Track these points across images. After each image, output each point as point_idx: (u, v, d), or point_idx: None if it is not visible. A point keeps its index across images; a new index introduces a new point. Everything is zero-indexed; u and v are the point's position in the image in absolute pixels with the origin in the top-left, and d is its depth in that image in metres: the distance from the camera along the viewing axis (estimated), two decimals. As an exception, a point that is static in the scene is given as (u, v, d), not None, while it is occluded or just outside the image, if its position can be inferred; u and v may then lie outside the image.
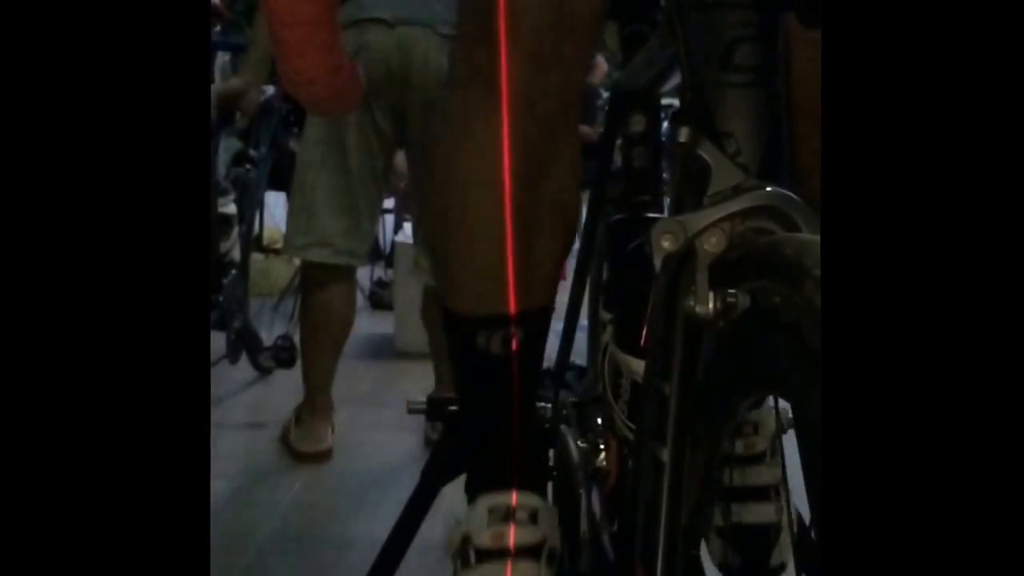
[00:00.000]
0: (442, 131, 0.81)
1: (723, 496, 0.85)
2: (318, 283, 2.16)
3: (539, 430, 0.91)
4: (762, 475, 0.86)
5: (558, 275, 0.84)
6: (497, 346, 0.79)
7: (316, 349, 2.21)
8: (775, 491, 0.85)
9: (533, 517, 0.82)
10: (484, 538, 0.82)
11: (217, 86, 2.29)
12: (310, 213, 2.10)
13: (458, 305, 0.81)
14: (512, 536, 0.81)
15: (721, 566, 0.87)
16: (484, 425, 0.86)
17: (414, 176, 2.18)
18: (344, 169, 2.08)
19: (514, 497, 0.82)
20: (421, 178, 2.13)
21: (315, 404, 2.22)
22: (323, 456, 2.20)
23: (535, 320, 0.80)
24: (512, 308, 0.78)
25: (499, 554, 0.81)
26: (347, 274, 2.19)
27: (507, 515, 0.81)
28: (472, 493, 0.86)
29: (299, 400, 2.27)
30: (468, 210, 0.77)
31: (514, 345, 0.79)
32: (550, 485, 1.19)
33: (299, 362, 2.57)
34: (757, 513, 0.85)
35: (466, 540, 0.83)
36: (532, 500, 0.83)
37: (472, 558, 0.82)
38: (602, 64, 5.60)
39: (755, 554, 0.86)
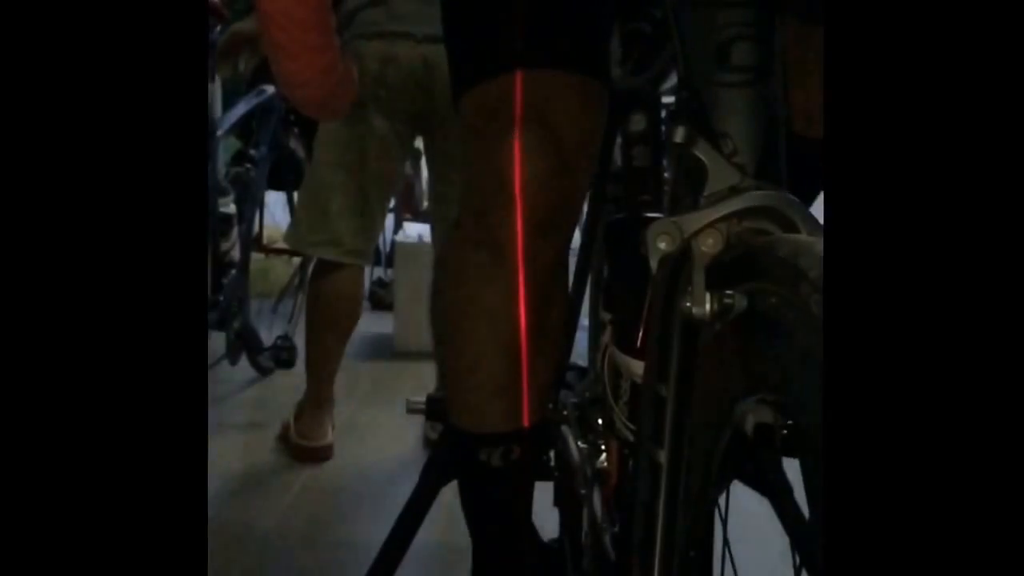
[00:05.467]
0: (447, 281, 0.90)
1: None
2: (326, 278, 2.18)
3: (540, 547, 1.02)
4: None
5: (550, 390, 0.95)
6: (498, 461, 0.88)
7: (321, 342, 2.21)
8: None
9: None
10: None
11: (236, 26, 2.28)
12: (324, 212, 2.12)
13: (465, 423, 0.90)
14: None
15: None
16: (489, 540, 0.95)
17: (433, 183, 2.23)
18: (361, 172, 2.11)
19: None
20: (439, 186, 2.19)
21: (318, 398, 2.23)
22: (325, 452, 2.20)
23: (535, 433, 0.90)
24: (516, 425, 0.88)
25: None
26: (355, 271, 2.21)
27: None
28: None
29: (299, 401, 2.27)
30: (474, 350, 0.87)
31: (515, 455, 0.89)
32: (551, 486, 1.19)
33: (299, 362, 2.57)
34: None
35: None
36: None
37: None
38: None
39: None
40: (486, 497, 0.92)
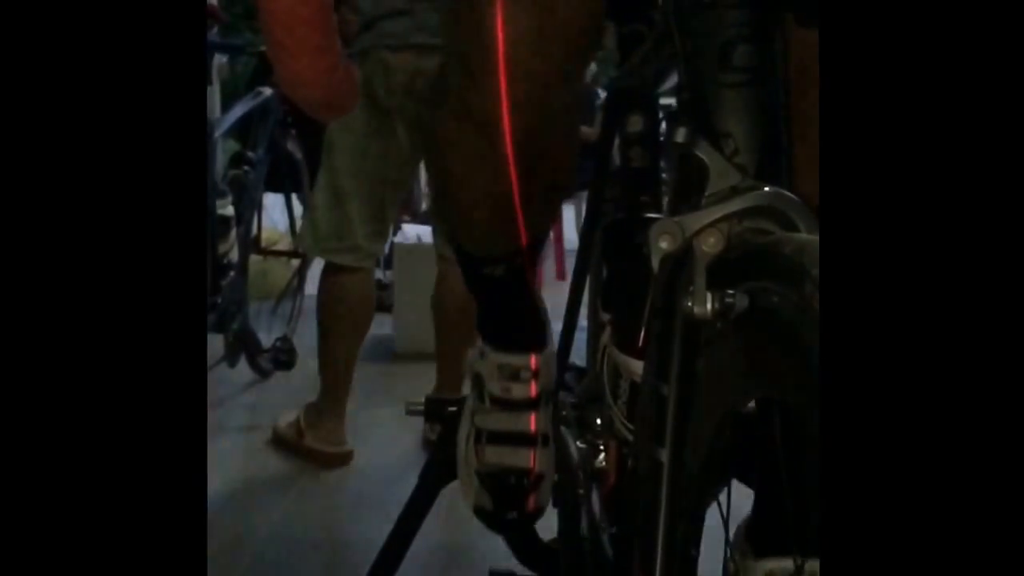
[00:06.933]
0: (436, 152, 0.90)
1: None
2: (338, 282, 2.17)
3: (539, 307, 1.05)
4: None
5: (556, 206, 0.99)
6: (502, 271, 0.94)
7: (338, 346, 2.19)
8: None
9: (535, 374, 1.00)
10: (495, 388, 1.01)
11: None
12: (345, 219, 2.13)
13: (469, 247, 0.96)
14: (522, 391, 1.00)
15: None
16: (495, 311, 1.03)
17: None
18: (380, 180, 2.12)
19: (522, 360, 1.00)
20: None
21: (336, 402, 2.20)
22: (345, 458, 2.17)
23: (534, 246, 0.93)
24: (517, 248, 0.91)
25: (507, 403, 1.01)
26: (366, 273, 2.22)
27: (516, 374, 1.00)
28: (485, 337, 1.03)
29: (309, 404, 2.23)
30: (470, 209, 0.90)
31: (518, 264, 0.94)
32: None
33: (298, 364, 2.55)
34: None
35: (479, 379, 1.03)
36: (536, 360, 1.00)
37: (487, 401, 1.02)
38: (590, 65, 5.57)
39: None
40: (491, 293, 1.00)
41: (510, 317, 1.02)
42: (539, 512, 1.04)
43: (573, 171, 0.94)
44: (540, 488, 1.03)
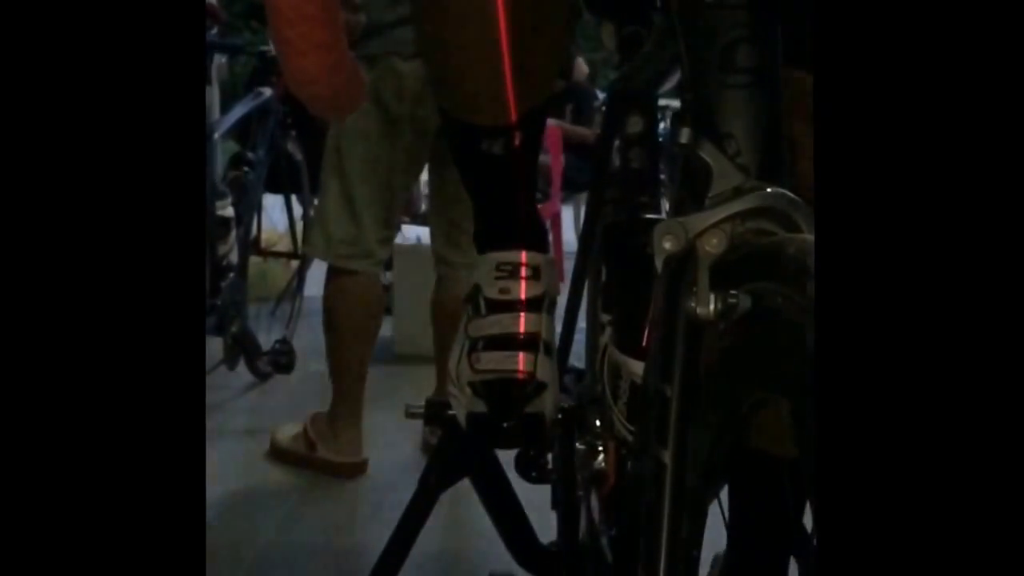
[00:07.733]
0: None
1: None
2: (347, 286, 2.16)
3: (538, 211, 1.00)
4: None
5: (555, 67, 0.93)
6: (499, 148, 0.89)
7: (352, 351, 2.18)
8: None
9: (536, 272, 0.94)
10: (493, 290, 0.94)
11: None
12: (358, 226, 2.13)
13: (460, 115, 0.90)
14: (519, 290, 0.93)
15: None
16: (491, 203, 0.97)
17: (433, 185, 2.28)
18: (389, 185, 2.13)
19: (519, 256, 0.94)
20: (439, 188, 2.24)
21: (352, 407, 2.17)
22: (362, 467, 2.14)
23: (532, 118, 0.89)
24: (510, 117, 0.87)
25: (508, 305, 0.93)
26: (373, 275, 2.22)
27: (514, 272, 0.93)
28: (481, 248, 0.98)
29: (318, 414, 2.20)
30: (457, 58, 0.86)
31: (515, 144, 0.89)
32: (549, 488, 1.19)
33: (297, 367, 2.54)
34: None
35: (477, 289, 0.96)
36: (535, 258, 0.94)
37: (483, 307, 0.95)
38: (582, 65, 5.61)
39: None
40: (488, 179, 0.95)
41: (508, 208, 0.96)
42: (538, 422, 0.96)
43: (566, 39, 0.90)
44: (542, 397, 0.95)
